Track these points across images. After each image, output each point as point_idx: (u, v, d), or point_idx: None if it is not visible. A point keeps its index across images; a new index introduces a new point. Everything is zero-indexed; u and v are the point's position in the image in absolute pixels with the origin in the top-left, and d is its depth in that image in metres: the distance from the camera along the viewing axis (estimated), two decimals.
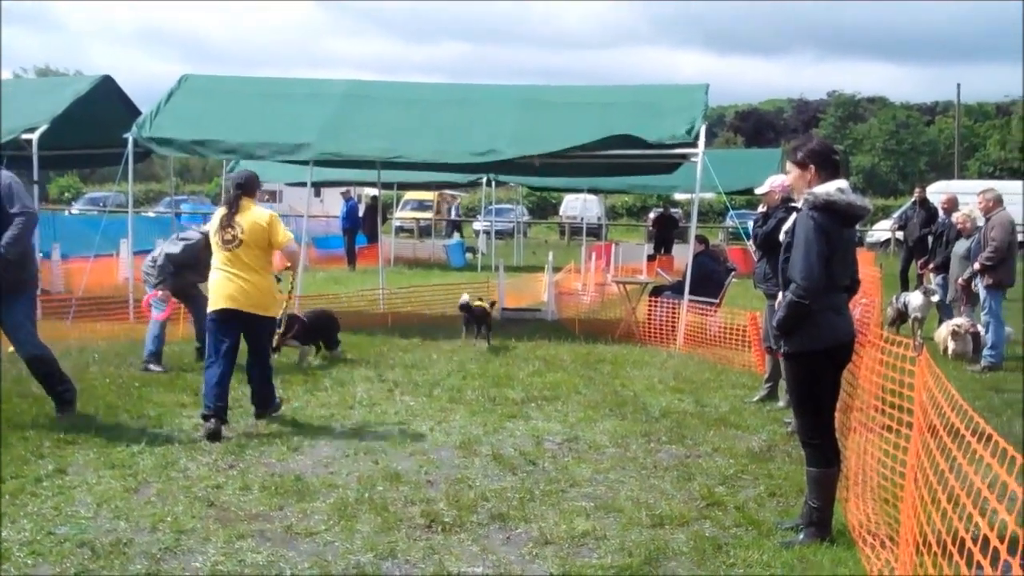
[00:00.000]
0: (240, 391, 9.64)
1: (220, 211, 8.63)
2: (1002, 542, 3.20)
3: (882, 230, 37.41)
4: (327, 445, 7.87)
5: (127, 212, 17.34)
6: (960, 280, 12.89)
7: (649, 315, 14.24)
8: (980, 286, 12.45)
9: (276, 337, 10.43)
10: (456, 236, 39.63)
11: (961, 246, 13.25)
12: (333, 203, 36.45)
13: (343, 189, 29.61)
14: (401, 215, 43.92)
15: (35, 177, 16.15)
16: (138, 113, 16.15)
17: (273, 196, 41.31)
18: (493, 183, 30.61)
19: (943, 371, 4.84)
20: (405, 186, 35.08)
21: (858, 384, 6.80)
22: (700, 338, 13.16)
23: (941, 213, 15.84)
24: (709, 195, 29.72)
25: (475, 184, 32.42)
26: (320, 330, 11.74)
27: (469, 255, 31.34)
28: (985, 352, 12.21)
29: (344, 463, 7.36)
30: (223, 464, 7.25)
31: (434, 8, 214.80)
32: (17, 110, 15.77)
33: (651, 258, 26.63)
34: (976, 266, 12.33)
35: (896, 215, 25.96)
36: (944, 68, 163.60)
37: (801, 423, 5.91)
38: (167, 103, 15.50)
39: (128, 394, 9.49)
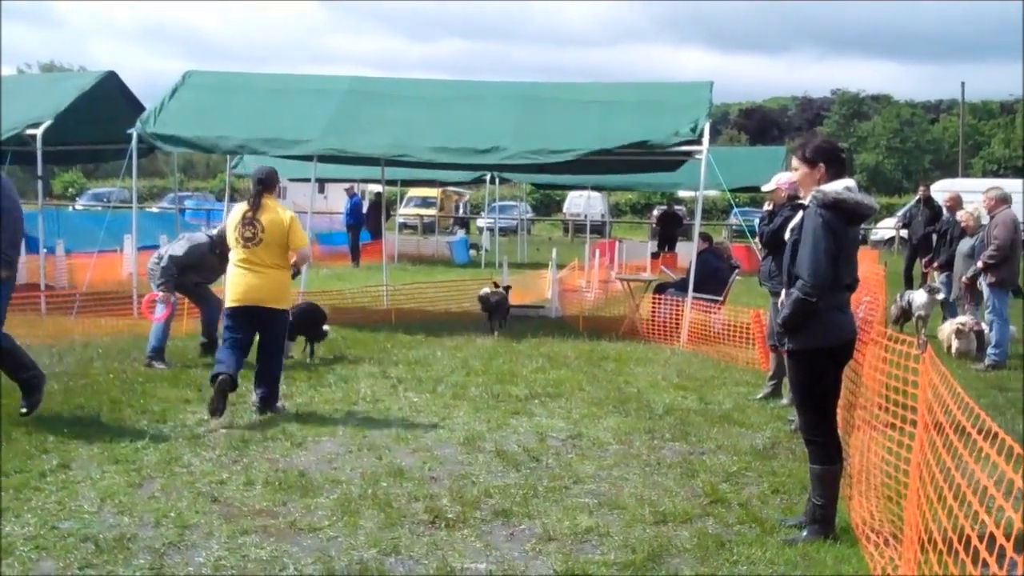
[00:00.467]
0: (243, 387, 9.66)
1: (241, 207, 8.74)
2: (1008, 539, 3.19)
3: (886, 228, 37.38)
4: (331, 441, 7.87)
5: (131, 208, 17.36)
6: (964, 278, 12.87)
7: (653, 312, 14.24)
8: (984, 285, 12.44)
9: None
10: (460, 233, 39.62)
11: (965, 244, 13.23)
12: (337, 199, 36.41)
13: (347, 185, 29.58)
14: (405, 212, 43.91)
15: (39, 172, 16.20)
16: (142, 109, 16.16)
17: (277, 192, 41.26)
18: (497, 180, 30.60)
19: (947, 369, 4.83)
20: (409, 183, 35.07)
21: (862, 382, 6.79)
22: (704, 335, 13.16)
23: (945, 211, 15.81)
24: (713, 192, 29.76)
25: (479, 181, 32.41)
26: (304, 324, 11.37)
27: (473, 252, 31.34)
28: (989, 350, 12.20)
29: (348, 459, 7.36)
30: (227, 460, 7.25)
31: (435, 5, 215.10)
32: (21, 106, 15.82)
33: (655, 255, 26.60)
34: (979, 264, 12.32)
35: (900, 213, 25.88)
36: (948, 66, 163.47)
37: (804, 420, 5.91)
38: (171, 99, 15.50)
39: (132, 389, 9.49)
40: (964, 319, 12.82)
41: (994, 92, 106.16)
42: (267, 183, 8.73)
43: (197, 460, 7.21)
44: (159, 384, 9.79)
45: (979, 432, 3.82)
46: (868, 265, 11.86)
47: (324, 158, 15.57)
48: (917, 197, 19.50)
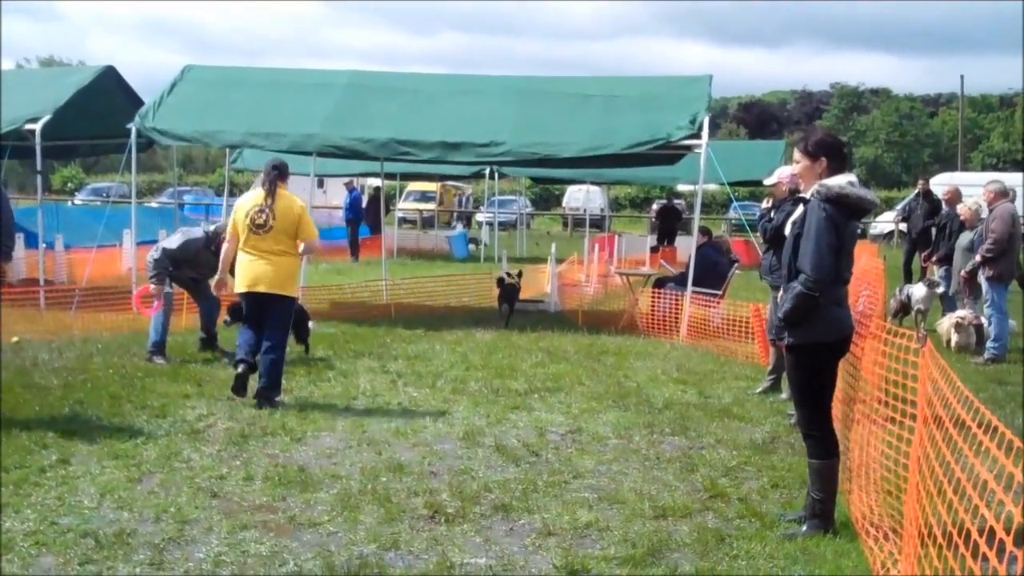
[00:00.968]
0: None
1: (257, 194, 8.96)
2: (1008, 534, 3.19)
3: (885, 222, 37.33)
4: (330, 436, 7.87)
5: (130, 203, 17.35)
6: (963, 272, 12.87)
7: (652, 307, 14.23)
8: (982, 278, 12.44)
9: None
10: (460, 227, 39.62)
11: (964, 238, 13.23)
12: (336, 194, 36.40)
13: (346, 180, 29.57)
14: (404, 206, 43.91)
15: (38, 167, 16.18)
16: (141, 103, 16.13)
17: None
18: (496, 174, 30.58)
19: (946, 363, 4.83)
20: (408, 177, 35.05)
21: (861, 376, 6.79)
22: (703, 330, 13.16)
23: (944, 205, 15.80)
24: (712, 186, 29.73)
25: (478, 176, 32.39)
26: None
27: (472, 246, 31.34)
28: (988, 344, 12.20)
29: (347, 454, 7.36)
30: (226, 455, 7.25)
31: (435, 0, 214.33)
32: (20, 100, 15.79)
33: (654, 249, 26.61)
34: (977, 258, 12.33)
35: (899, 207, 25.88)
36: (947, 60, 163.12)
37: (802, 415, 5.91)
38: (170, 93, 15.47)
39: (131, 385, 9.49)
40: (963, 313, 12.82)
41: (993, 86, 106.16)
42: (282, 172, 8.96)
43: (197, 455, 7.21)
44: (158, 379, 9.79)
45: (979, 426, 3.82)
46: (867, 259, 11.83)
47: (323, 153, 15.55)
48: (916, 191, 19.49)
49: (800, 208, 5.87)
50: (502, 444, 7.68)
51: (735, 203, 25.95)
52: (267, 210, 8.77)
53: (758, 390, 9.88)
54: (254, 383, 8.86)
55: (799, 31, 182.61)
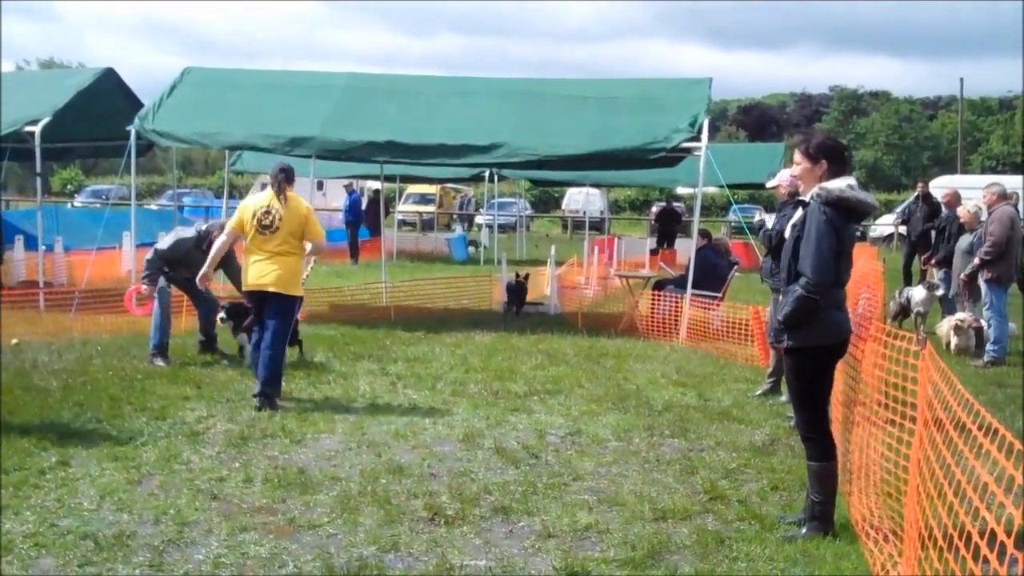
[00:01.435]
0: (243, 384, 9.66)
1: (266, 195, 9.09)
2: (1009, 536, 3.19)
3: (885, 225, 37.37)
4: (330, 438, 7.87)
5: (130, 205, 17.35)
6: (962, 276, 12.86)
7: (652, 309, 14.23)
8: (981, 281, 12.44)
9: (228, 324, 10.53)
10: (459, 229, 39.62)
11: (964, 241, 13.23)
12: (335, 196, 36.40)
13: (346, 182, 29.57)
14: (403, 208, 43.91)
15: (38, 169, 16.18)
16: (140, 106, 16.14)
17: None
18: (495, 177, 30.57)
19: (946, 366, 4.83)
20: (407, 179, 35.06)
21: (861, 378, 6.78)
22: (703, 332, 13.15)
23: (943, 208, 15.81)
24: (712, 189, 29.70)
25: (477, 178, 32.39)
26: None
27: (471, 249, 31.34)
28: (988, 347, 12.20)
29: (347, 456, 7.35)
30: (226, 457, 7.25)
31: (433, 2, 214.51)
32: (20, 102, 15.79)
33: (654, 252, 26.61)
34: (976, 261, 12.33)
35: (899, 210, 25.84)
36: (947, 63, 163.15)
37: (801, 417, 5.90)
38: (170, 96, 15.49)
39: (131, 387, 9.49)
40: (963, 315, 12.82)
41: (993, 88, 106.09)
42: (289, 175, 9.13)
43: (196, 457, 7.21)
44: (158, 381, 9.79)
45: (979, 428, 3.82)
46: (867, 261, 11.84)
47: (322, 155, 15.55)
48: (916, 193, 19.49)
49: (799, 211, 5.87)
50: (502, 446, 7.68)
51: (735, 206, 25.88)
52: (274, 212, 8.94)
53: (758, 392, 9.88)
54: (242, 388, 8.86)
55: (799, 34, 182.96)
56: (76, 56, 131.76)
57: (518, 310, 15.68)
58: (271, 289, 8.93)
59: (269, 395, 8.76)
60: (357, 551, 5.42)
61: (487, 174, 29.38)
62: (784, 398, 9.30)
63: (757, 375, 10.60)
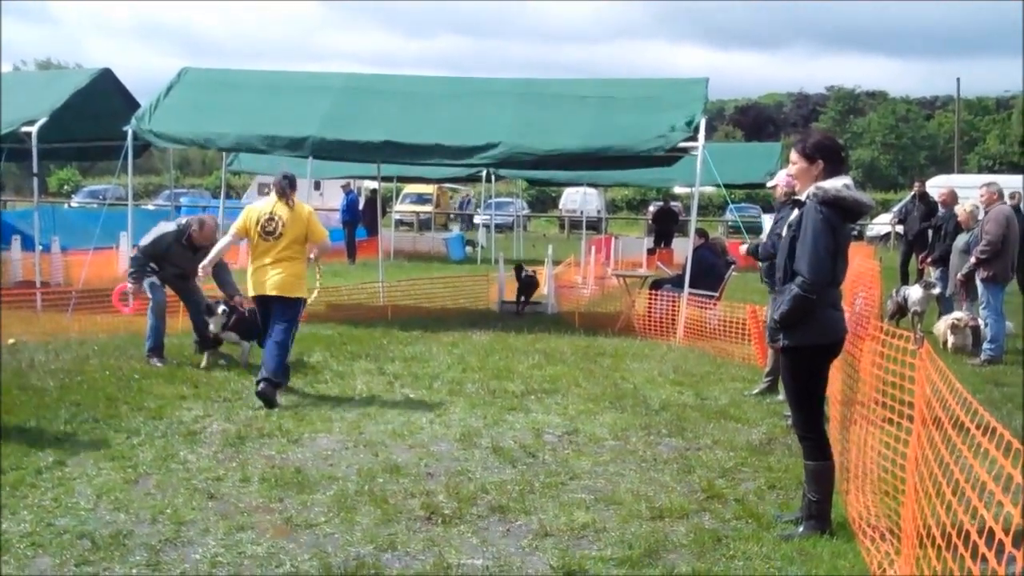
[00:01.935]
0: (240, 383, 9.66)
1: (270, 201, 9.31)
2: (1007, 535, 3.19)
3: (882, 224, 37.38)
4: (327, 437, 7.86)
5: (127, 205, 17.34)
6: (959, 276, 12.87)
7: (649, 308, 14.23)
8: (978, 280, 12.45)
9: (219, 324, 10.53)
10: (456, 229, 39.62)
11: (961, 240, 13.25)
12: (332, 196, 36.40)
13: (343, 182, 29.55)
14: (401, 208, 43.91)
15: (35, 170, 16.15)
16: (137, 106, 16.12)
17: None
18: (493, 177, 30.57)
19: (943, 364, 4.83)
20: (404, 179, 35.05)
21: (859, 377, 6.79)
22: (700, 331, 13.16)
23: (940, 207, 15.84)
24: (709, 189, 29.70)
25: (474, 178, 32.38)
26: (257, 329, 10.43)
27: (469, 248, 31.32)
28: (985, 346, 12.21)
29: (344, 455, 7.35)
30: (223, 456, 7.24)
31: (431, 2, 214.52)
32: (17, 103, 15.77)
33: (651, 251, 26.61)
34: (972, 260, 12.35)
35: (896, 209, 25.93)
36: (944, 63, 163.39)
37: (798, 417, 5.90)
38: (166, 96, 15.46)
39: (128, 386, 9.48)
40: (959, 315, 12.83)
41: (990, 88, 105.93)
42: (293, 182, 9.38)
43: (193, 457, 7.21)
44: (155, 381, 9.78)
45: (977, 427, 3.82)
46: (863, 260, 11.85)
47: (319, 155, 15.54)
48: (912, 193, 19.52)
49: (795, 211, 5.86)
50: (499, 445, 7.67)
51: (731, 205, 25.90)
52: (277, 218, 9.15)
53: (755, 391, 9.88)
54: (238, 387, 8.85)
55: (796, 34, 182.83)
56: (73, 57, 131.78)
57: (526, 302, 16.17)
58: (275, 294, 9.14)
59: (273, 382, 8.85)
60: (354, 550, 5.42)
61: (484, 174, 29.37)
62: (781, 397, 9.29)
63: (754, 374, 10.61)
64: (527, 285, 16.36)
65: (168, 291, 11.09)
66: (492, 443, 7.74)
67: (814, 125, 79.13)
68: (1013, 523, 3.18)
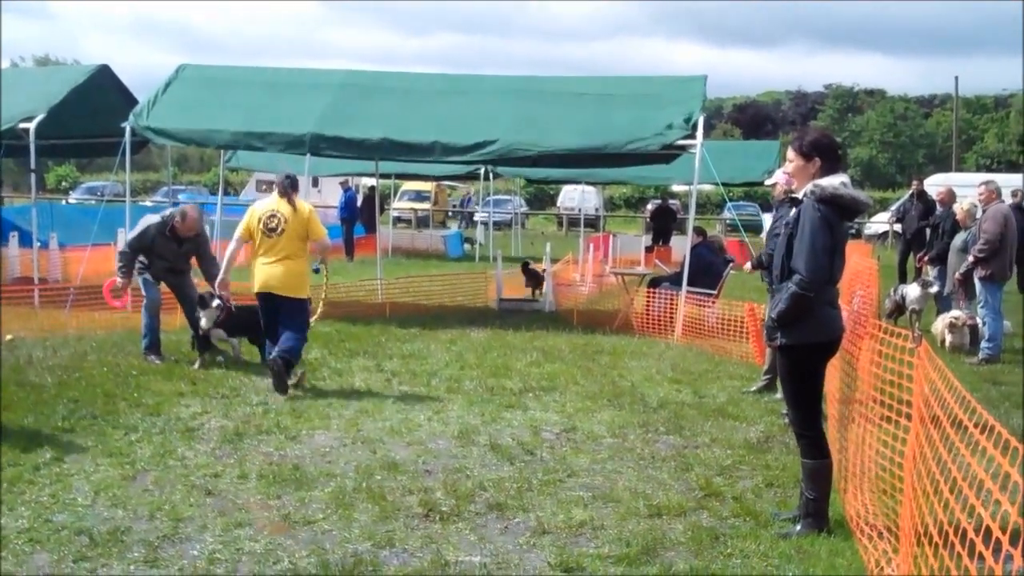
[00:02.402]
0: (239, 380, 9.66)
1: (272, 199, 9.58)
2: (1004, 533, 3.19)
3: (880, 222, 37.35)
4: (325, 434, 7.87)
5: (125, 201, 17.33)
6: (957, 274, 12.87)
7: (647, 306, 14.23)
8: (976, 279, 12.46)
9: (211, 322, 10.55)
10: (455, 226, 39.60)
11: (958, 238, 13.25)
12: (331, 193, 36.39)
13: (341, 179, 29.52)
14: (399, 205, 43.88)
15: (32, 166, 16.15)
16: (135, 102, 16.11)
17: (270, 186, 41.20)
18: (491, 174, 30.54)
19: (941, 363, 4.83)
20: (403, 176, 35.02)
21: (857, 375, 6.79)
22: (698, 329, 13.16)
23: (938, 205, 15.84)
24: (707, 187, 29.73)
25: (473, 176, 32.35)
26: (244, 326, 10.60)
27: (467, 246, 31.30)
28: (982, 345, 12.22)
29: (342, 452, 7.35)
30: (221, 453, 7.24)
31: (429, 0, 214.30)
32: (15, 99, 15.75)
33: (649, 249, 26.60)
34: (970, 258, 12.35)
35: (894, 207, 25.89)
36: (942, 61, 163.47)
37: (796, 415, 5.90)
38: (165, 93, 15.46)
39: (126, 383, 9.48)
40: (957, 313, 12.83)
41: (988, 87, 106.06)
42: (294, 182, 9.65)
43: (191, 453, 7.21)
44: (153, 378, 9.78)
45: (975, 426, 3.82)
46: (861, 259, 11.85)
47: (317, 152, 15.53)
48: (910, 191, 19.50)
49: (792, 209, 5.86)
50: (497, 443, 7.68)
51: (729, 203, 25.92)
52: (279, 216, 9.41)
53: (752, 389, 9.89)
54: (236, 384, 8.86)
55: (794, 31, 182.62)
56: (71, 53, 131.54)
57: (535, 291, 17.30)
58: (279, 292, 9.39)
59: (287, 359, 9.16)
60: (352, 547, 5.42)
61: (482, 171, 29.34)
62: (779, 395, 9.29)
63: (752, 372, 10.61)
64: (534, 278, 17.46)
65: (164, 288, 11.09)
66: (490, 440, 7.74)
67: (812, 123, 79.11)
68: (1010, 521, 3.19)
